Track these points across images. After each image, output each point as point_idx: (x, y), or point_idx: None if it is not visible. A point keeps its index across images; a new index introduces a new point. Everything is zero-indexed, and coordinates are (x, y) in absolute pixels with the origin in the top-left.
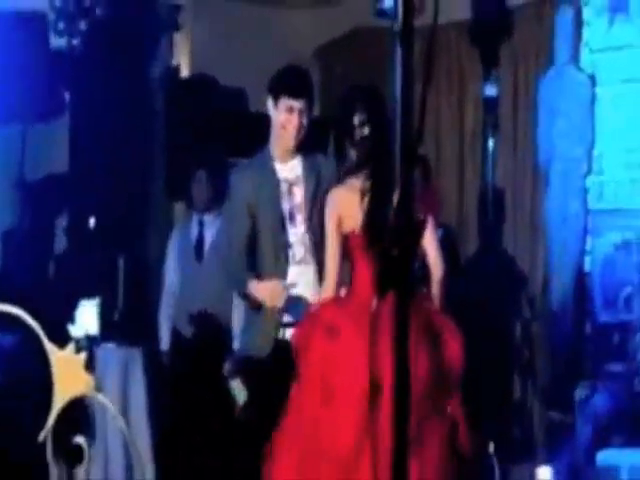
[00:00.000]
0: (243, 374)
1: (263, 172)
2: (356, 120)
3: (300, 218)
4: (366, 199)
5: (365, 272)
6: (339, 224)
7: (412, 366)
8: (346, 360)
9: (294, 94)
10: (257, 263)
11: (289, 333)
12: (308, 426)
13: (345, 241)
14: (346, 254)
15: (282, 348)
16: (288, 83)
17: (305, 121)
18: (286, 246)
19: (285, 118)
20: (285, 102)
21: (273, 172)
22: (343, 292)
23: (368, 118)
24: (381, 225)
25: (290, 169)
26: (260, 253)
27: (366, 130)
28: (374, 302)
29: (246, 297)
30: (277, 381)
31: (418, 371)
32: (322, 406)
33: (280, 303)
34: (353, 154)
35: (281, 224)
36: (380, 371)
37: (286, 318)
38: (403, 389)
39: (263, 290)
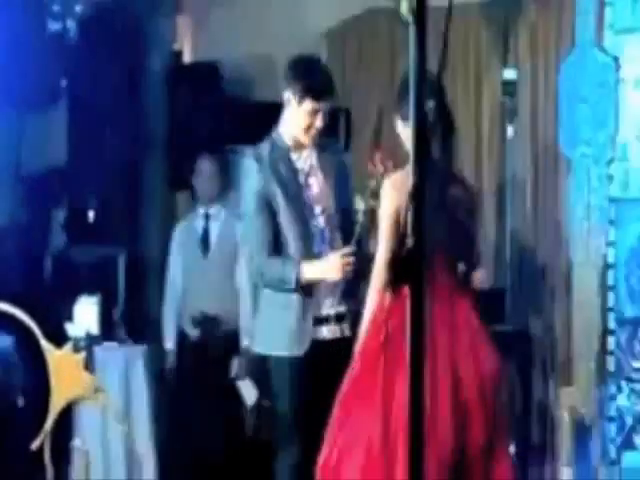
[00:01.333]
0: (263, 375)
1: (281, 161)
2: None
3: (318, 209)
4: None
5: None
6: (397, 215)
7: (476, 365)
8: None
9: (322, 97)
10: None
11: (324, 331)
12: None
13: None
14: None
15: (316, 346)
16: (316, 85)
17: (326, 118)
18: (316, 236)
19: (310, 121)
20: (311, 104)
21: (290, 162)
22: None
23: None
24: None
25: (305, 159)
26: (284, 246)
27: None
28: (387, 298)
29: (295, 287)
30: (305, 382)
31: (483, 369)
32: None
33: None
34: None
35: (305, 215)
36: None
37: (325, 310)
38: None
39: (329, 266)
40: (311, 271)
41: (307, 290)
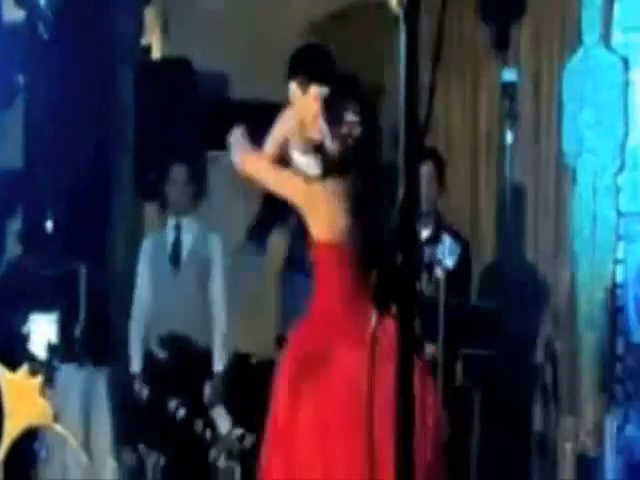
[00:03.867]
0: (239, 400)
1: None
2: (349, 117)
3: None
4: (350, 206)
5: (338, 283)
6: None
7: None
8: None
9: (326, 81)
10: None
11: None
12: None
13: (319, 249)
14: (317, 264)
15: None
16: (319, 70)
17: None
18: None
19: (317, 107)
20: (317, 89)
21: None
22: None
23: (363, 116)
24: (369, 235)
25: (312, 165)
26: None
27: (357, 130)
28: (373, 320)
29: None
30: None
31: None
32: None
33: None
34: (334, 151)
35: None
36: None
37: None
38: (407, 419)
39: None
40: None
41: None
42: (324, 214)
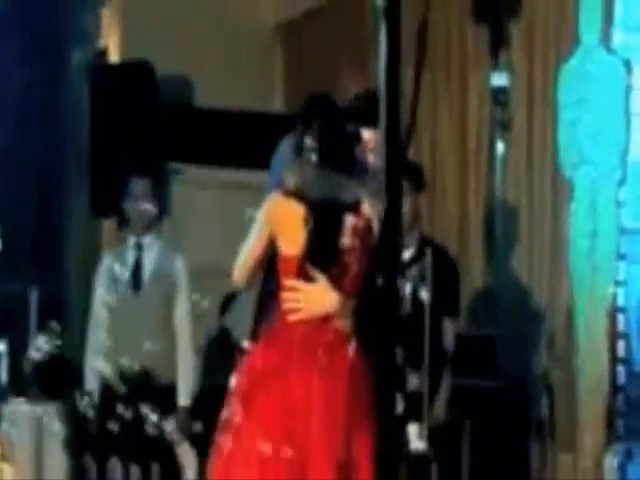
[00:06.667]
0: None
1: None
2: (307, 142)
3: None
4: (310, 223)
5: None
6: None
7: None
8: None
9: None
10: None
11: None
12: None
13: (281, 264)
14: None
15: None
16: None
17: None
18: None
19: None
20: None
21: None
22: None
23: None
24: (326, 253)
25: None
26: None
27: (314, 156)
28: (352, 346)
29: None
30: None
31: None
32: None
33: None
34: None
35: None
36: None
37: None
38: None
39: None
40: None
41: None
42: (287, 228)
